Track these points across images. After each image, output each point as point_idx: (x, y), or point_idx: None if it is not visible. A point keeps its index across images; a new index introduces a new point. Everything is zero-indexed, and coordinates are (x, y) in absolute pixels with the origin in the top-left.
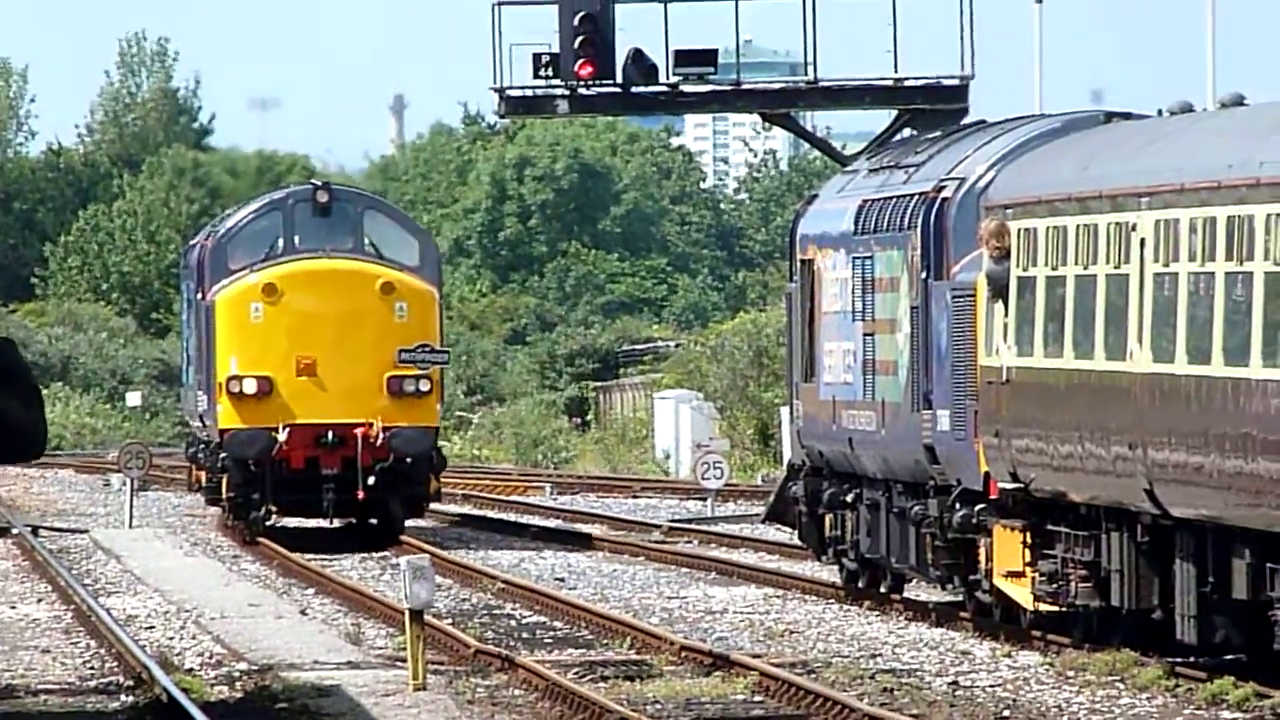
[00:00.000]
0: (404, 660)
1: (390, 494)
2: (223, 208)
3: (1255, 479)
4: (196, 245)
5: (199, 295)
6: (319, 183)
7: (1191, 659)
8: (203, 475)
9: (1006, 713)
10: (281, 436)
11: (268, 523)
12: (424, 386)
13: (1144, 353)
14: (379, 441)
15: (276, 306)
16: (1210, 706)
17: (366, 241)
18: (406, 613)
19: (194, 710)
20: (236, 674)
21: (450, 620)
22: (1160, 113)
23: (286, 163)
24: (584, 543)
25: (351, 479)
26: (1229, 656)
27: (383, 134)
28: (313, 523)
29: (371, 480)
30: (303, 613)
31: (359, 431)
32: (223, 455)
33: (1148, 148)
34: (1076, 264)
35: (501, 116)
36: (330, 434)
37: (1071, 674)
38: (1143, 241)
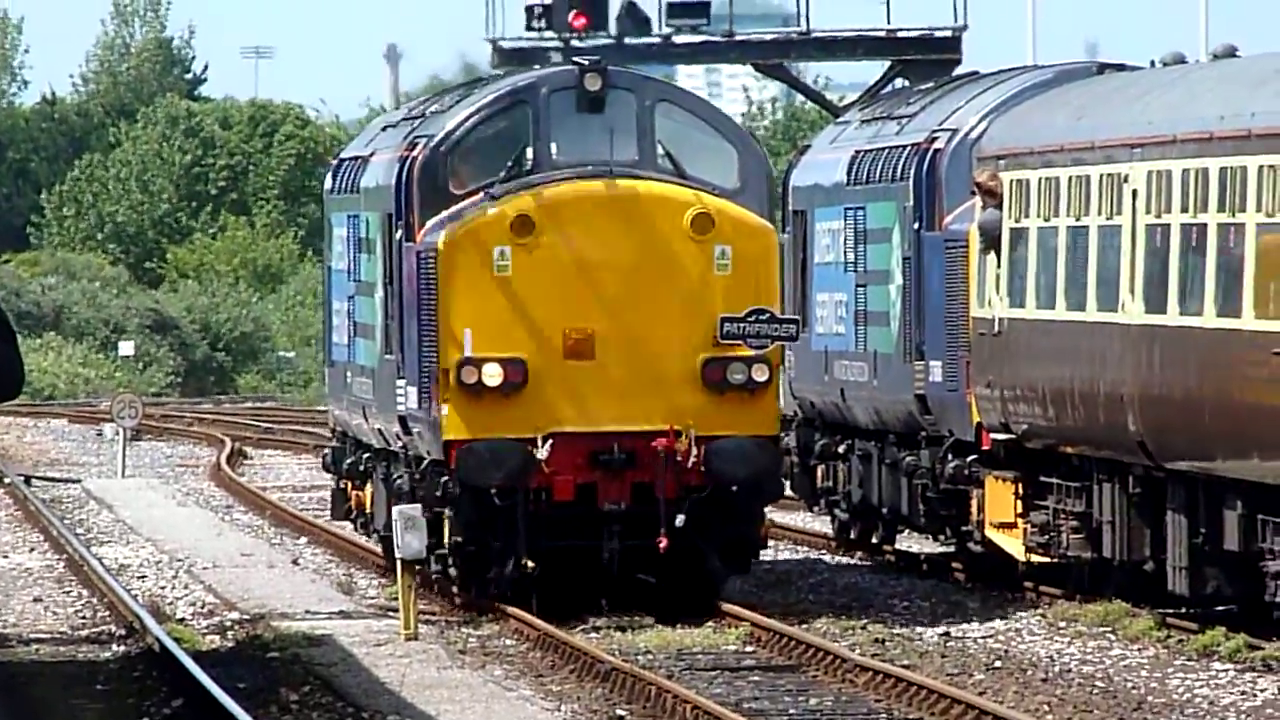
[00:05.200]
0: (396, 610)
1: (706, 538)
2: (215, 159)
3: (1246, 431)
4: (373, 158)
5: (398, 233)
6: (586, 61)
7: (1183, 610)
8: (366, 498)
9: (998, 663)
10: (542, 453)
11: (516, 579)
12: (759, 375)
13: (1136, 304)
14: (691, 460)
15: (534, 253)
16: (1201, 657)
17: (660, 151)
18: (398, 563)
19: (186, 660)
20: (228, 623)
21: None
22: (1153, 64)
23: (280, 112)
24: None
25: (649, 517)
26: (1220, 608)
27: (378, 84)
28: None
29: (680, 519)
30: (295, 563)
31: (660, 444)
32: (445, 480)
33: (1140, 99)
34: (1069, 215)
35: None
36: (616, 448)
37: (1063, 625)
38: (1135, 193)
